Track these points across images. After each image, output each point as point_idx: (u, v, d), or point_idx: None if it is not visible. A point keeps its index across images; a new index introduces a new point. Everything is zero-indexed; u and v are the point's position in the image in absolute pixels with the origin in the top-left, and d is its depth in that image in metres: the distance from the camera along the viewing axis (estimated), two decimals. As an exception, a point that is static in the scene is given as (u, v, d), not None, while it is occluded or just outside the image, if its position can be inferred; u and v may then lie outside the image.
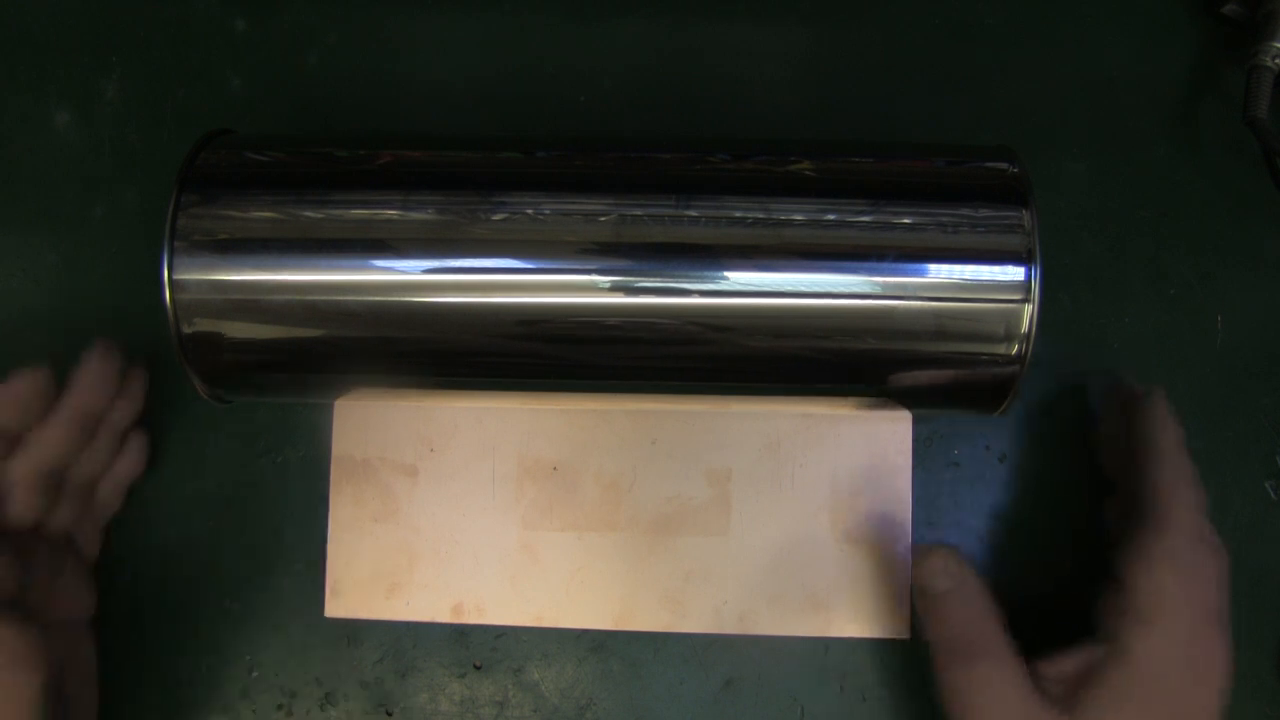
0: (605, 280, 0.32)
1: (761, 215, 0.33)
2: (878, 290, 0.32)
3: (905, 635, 0.41)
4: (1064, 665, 0.35)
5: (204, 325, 0.33)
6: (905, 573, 0.42)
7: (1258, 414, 0.43)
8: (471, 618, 0.42)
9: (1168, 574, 0.34)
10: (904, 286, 0.32)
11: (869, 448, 0.42)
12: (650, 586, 0.42)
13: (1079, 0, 0.45)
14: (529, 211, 0.33)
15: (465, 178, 0.34)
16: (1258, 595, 0.42)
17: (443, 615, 0.42)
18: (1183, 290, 0.43)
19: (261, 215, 0.33)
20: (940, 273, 0.32)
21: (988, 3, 0.45)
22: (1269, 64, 0.41)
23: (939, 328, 0.33)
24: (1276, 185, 0.42)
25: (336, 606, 0.42)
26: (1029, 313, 0.32)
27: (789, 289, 0.32)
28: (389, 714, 0.42)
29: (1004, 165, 0.34)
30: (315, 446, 0.43)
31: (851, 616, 0.41)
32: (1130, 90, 0.44)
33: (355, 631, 0.42)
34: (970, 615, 0.36)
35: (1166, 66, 0.45)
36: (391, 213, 0.33)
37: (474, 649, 0.42)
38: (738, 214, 0.33)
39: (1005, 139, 0.44)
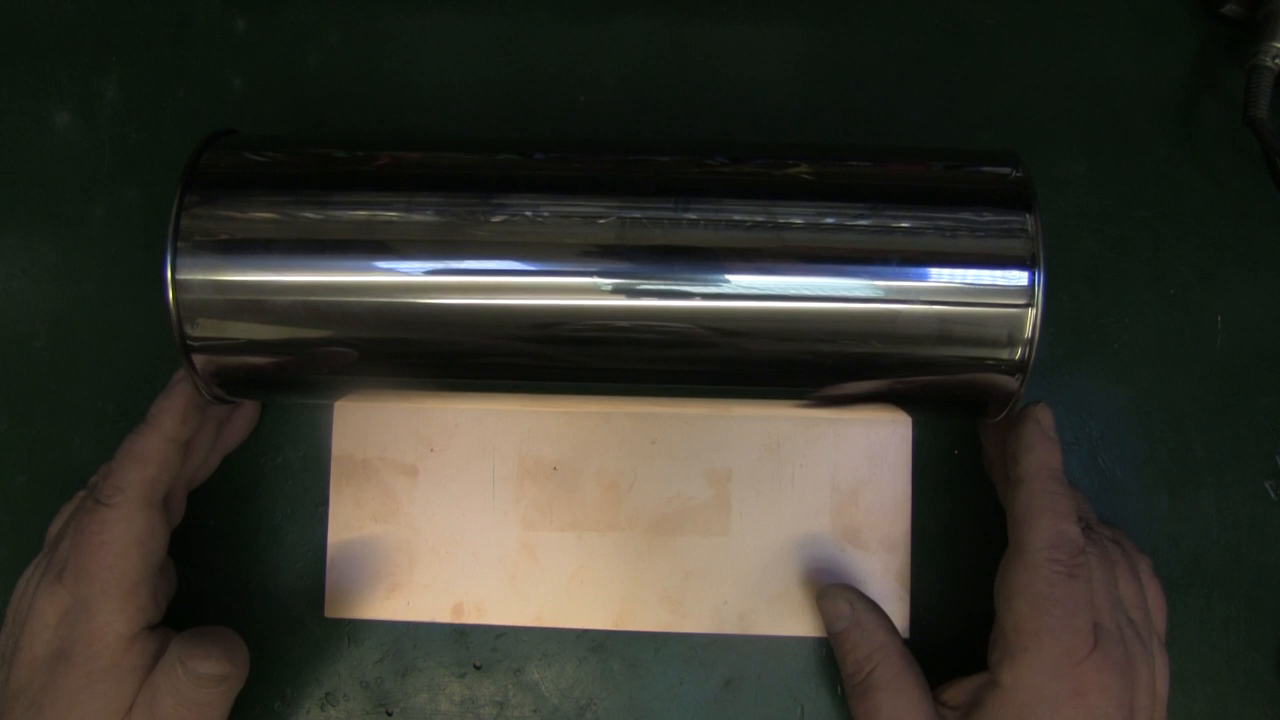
0: (607, 283, 0.32)
1: (765, 219, 0.33)
2: (880, 294, 0.32)
3: (905, 635, 0.41)
4: (958, 693, 0.37)
5: (206, 326, 0.33)
6: (905, 573, 0.42)
7: (1258, 414, 0.43)
8: (471, 618, 0.42)
9: (1024, 606, 0.35)
10: (907, 290, 0.32)
11: (869, 448, 0.42)
12: (650, 586, 0.42)
13: (1079, 0, 0.45)
14: (529, 214, 0.33)
15: (465, 179, 0.34)
16: (1258, 595, 0.42)
17: (443, 615, 0.42)
18: (1183, 290, 0.43)
19: (263, 216, 0.33)
20: (943, 277, 0.32)
21: (988, 3, 0.45)
22: (1269, 64, 0.41)
23: (942, 332, 0.32)
24: (1276, 185, 0.42)
25: (336, 606, 0.42)
26: (1032, 317, 0.32)
27: (791, 292, 0.32)
28: (389, 714, 0.42)
29: (1007, 169, 0.34)
30: (315, 446, 0.43)
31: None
32: (1130, 90, 0.44)
33: (355, 631, 0.42)
34: (867, 651, 0.38)
35: (1166, 66, 0.45)
36: (392, 214, 0.33)
37: (474, 649, 0.42)
38: (740, 217, 0.33)
39: (1005, 139, 0.44)
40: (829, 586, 0.40)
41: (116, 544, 0.35)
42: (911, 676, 0.37)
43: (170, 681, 0.35)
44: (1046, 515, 0.35)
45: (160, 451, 0.36)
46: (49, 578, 0.36)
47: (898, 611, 0.41)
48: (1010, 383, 0.33)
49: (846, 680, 0.38)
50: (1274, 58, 0.41)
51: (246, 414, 0.42)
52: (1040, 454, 0.36)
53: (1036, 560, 0.35)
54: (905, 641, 0.41)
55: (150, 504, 0.36)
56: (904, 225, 0.33)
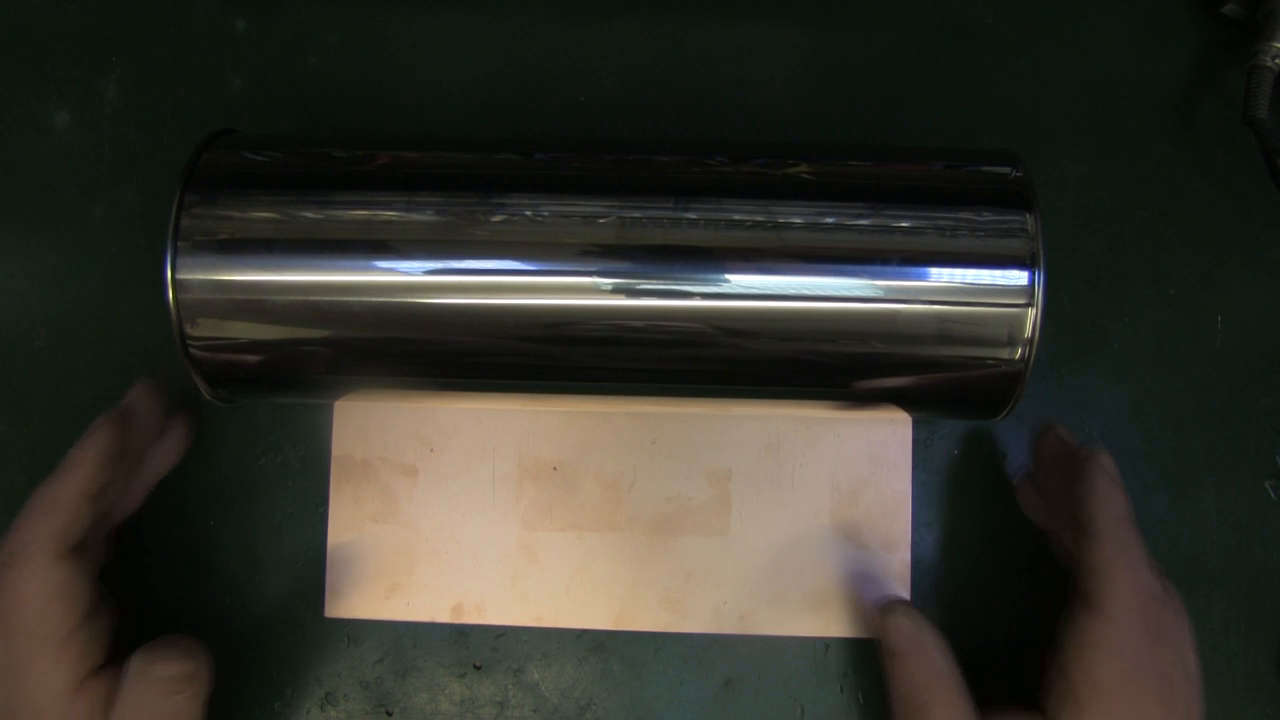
0: (607, 283, 0.32)
1: (765, 219, 0.33)
2: (880, 294, 0.32)
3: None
4: None
5: (206, 325, 0.33)
6: (905, 573, 0.42)
7: (1258, 414, 0.43)
8: (471, 618, 0.42)
9: (1102, 662, 0.34)
10: (907, 290, 0.32)
11: (869, 448, 0.42)
12: (650, 586, 0.42)
13: (1079, 0, 0.45)
14: (529, 214, 0.33)
15: (465, 179, 0.34)
16: (1258, 595, 0.42)
17: (443, 615, 0.42)
18: (1183, 290, 0.43)
19: (263, 216, 0.33)
20: (943, 276, 0.32)
21: (988, 3, 0.45)
22: (1269, 64, 0.41)
23: (942, 332, 0.32)
24: (1276, 185, 0.42)
25: (336, 606, 0.42)
26: (1032, 317, 0.32)
27: (792, 292, 0.32)
28: (389, 714, 0.41)
29: (1008, 169, 0.34)
30: (315, 446, 0.43)
31: (851, 616, 0.41)
32: (1130, 90, 0.44)
33: (355, 631, 0.42)
34: (925, 679, 0.37)
35: (1166, 66, 0.45)
36: (392, 214, 0.33)
37: (474, 649, 0.42)
38: (740, 217, 0.33)
39: (1005, 139, 0.44)
40: (893, 602, 0.39)
41: (33, 601, 0.34)
42: (966, 706, 0.36)
43: (137, 700, 0.34)
44: (1127, 568, 0.35)
45: (70, 502, 0.36)
46: None
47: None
48: (1010, 382, 0.33)
49: (896, 700, 0.37)
50: (1274, 58, 0.41)
51: (174, 441, 0.41)
52: (1114, 503, 0.35)
53: (1116, 614, 0.34)
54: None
55: (60, 555, 0.35)
56: (904, 225, 0.33)
